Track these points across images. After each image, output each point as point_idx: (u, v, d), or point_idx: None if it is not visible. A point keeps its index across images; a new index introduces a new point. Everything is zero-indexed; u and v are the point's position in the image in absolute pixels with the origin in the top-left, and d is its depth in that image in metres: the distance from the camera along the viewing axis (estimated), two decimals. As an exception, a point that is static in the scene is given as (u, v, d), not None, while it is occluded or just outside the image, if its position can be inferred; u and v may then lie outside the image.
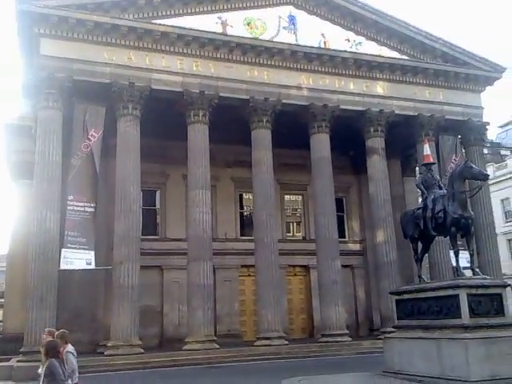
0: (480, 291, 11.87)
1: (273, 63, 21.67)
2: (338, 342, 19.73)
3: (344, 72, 22.54)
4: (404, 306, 13.50)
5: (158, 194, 25.17)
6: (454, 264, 13.30)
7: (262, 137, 21.23)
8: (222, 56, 20.98)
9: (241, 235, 25.83)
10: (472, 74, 23.83)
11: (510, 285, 15.21)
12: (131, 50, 19.78)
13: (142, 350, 17.78)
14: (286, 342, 19.48)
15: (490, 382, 10.72)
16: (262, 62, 21.51)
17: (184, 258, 20.24)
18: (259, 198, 20.89)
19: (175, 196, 24.30)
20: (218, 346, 18.60)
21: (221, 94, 20.75)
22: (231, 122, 21.92)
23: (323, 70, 22.33)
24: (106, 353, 17.52)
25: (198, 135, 20.25)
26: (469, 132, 23.94)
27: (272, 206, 20.97)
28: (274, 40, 21.64)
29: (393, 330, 14.49)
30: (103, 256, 20.47)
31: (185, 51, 20.48)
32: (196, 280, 18.93)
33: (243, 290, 25.23)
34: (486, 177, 13.18)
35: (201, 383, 13.26)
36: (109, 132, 19.81)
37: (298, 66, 22.03)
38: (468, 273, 13.17)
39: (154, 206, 25.20)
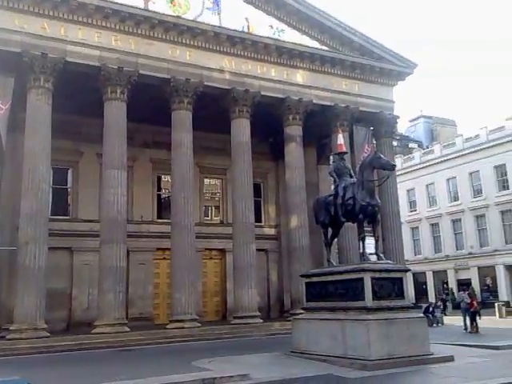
0: (383, 275, 12.64)
1: (195, 44, 21.36)
2: (249, 323, 20.13)
3: (266, 58, 22.73)
4: (313, 289, 14.06)
5: (70, 172, 24.08)
6: (361, 249, 14.02)
7: (183, 118, 20.95)
8: (143, 32, 20.36)
9: (157, 218, 25.45)
10: (386, 68, 24.94)
11: (410, 270, 16.39)
12: (45, 18, 18.64)
13: (48, 334, 17.11)
14: (199, 325, 19.58)
15: (387, 360, 11.51)
16: (184, 41, 21.14)
17: (96, 240, 19.62)
18: (178, 180, 20.66)
19: (89, 175, 23.40)
20: (128, 329, 18.32)
21: (140, 72, 20.17)
22: (151, 101, 21.42)
23: (246, 54, 22.36)
24: (8, 336, 16.68)
25: (115, 112, 19.58)
26: (380, 124, 25.11)
27: (190, 189, 20.82)
28: (198, 20, 21.32)
29: (302, 311, 15.06)
30: (8, 236, 19.33)
31: (103, 24, 19.63)
32: (108, 263, 18.44)
33: (158, 273, 24.97)
34: (393, 167, 13.95)
35: (108, 366, 12.94)
36: (18, 105, 18.63)
37: (221, 49, 21.90)
38: (373, 258, 13.90)
39: (66, 185, 24.12)
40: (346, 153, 15.66)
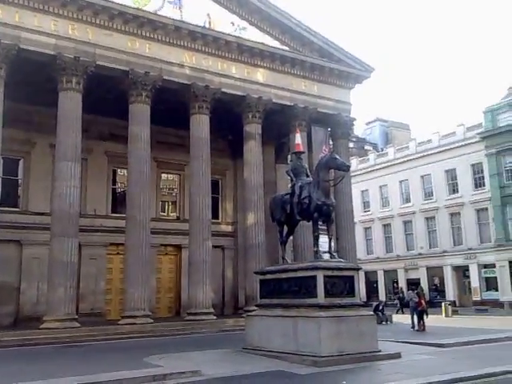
0: (335, 273, 12.92)
1: (155, 37, 21.09)
2: (203, 320, 20.10)
3: (227, 55, 22.71)
4: (267, 286, 14.21)
5: (21, 163, 23.30)
6: (315, 248, 14.26)
7: (141, 112, 20.65)
8: (102, 23, 19.92)
9: (112, 212, 24.98)
10: (345, 71, 25.40)
11: (361, 268, 16.78)
12: (-2, 3, 17.95)
13: (-8, 329, 16.51)
14: (151, 321, 19.38)
15: (337, 357, 11.79)
16: (144, 34, 20.83)
17: (47, 234, 19.06)
18: (134, 174, 20.36)
19: (41, 166, 22.71)
20: (79, 325, 17.94)
21: (98, 63, 19.74)
22: (109, 93, 21.02)
23: (207, 50, 22.27)
24: None
25: (70, 103, 19.08)
26: (338, 126, 25.57)
27: (147, 183, 20.57)
28: (159, 13, 21.04)
29: (256, 308, 15.17)
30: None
31: (60, 12, 19.09)
32: (59, 257, 17.97)
33: (111, 268, 24.52)
34: (348, 168, 14.28)
35: (53, 363, 12.60)
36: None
37: (182, 44, 21.71)
38: (327, 256, 14.15)
39: (16, 176, 23.31)
40: (303, 152, 15.90)
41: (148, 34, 20.93)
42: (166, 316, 24.52)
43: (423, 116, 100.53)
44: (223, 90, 22.51)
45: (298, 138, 15.77)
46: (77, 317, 18.42)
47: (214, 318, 20.80)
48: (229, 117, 23.63)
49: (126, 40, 20.50)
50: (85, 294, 22.71)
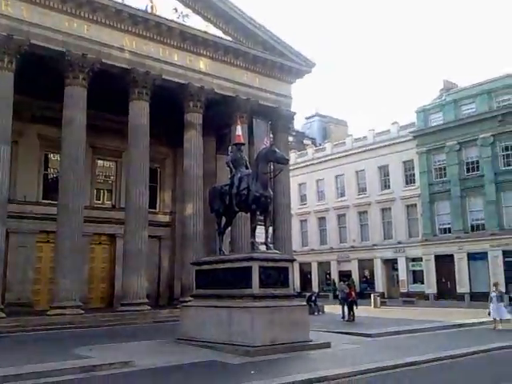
0: (270, 264, 13.13)
1: (95, 18, 20.36)
2: (136, 311, 19.79)
3: (169, 42, 22.31)
4: (203, 277, 14.23)
5: None
6: (252, 239, 14.41)
7: (77, 95, 19.91)
8: (38, 0, 18.97)
9: (43, 199, 23.99)
10: (286, 65, 25.66)
11: (296, 260, 17.14)
12: None
13: None
14: (82, 312, 18.86)
15: (270, 346, 12.02)
16: (83, 15, 20.05)
17: (-29, 219, 18.01)
18: (67, 160, 19.63)
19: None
20: (4, 315, 17.16)
21: (32, 42, 18.82)
22: (43, 73, 20.08)
23: (148, 35, 21.77)
24: None
25: (1, 83, 18.09)
26: (278, 119, 25.84)
27: (81, 170, 19.90)
28: (98, -6, 20.29)
29: (191, 299, 15.15)
30: None
31: (-10, -12, 17.99)
32: (-17, 244, 17.06)
33: (40, 257, 23.59)
34: (286, 161, 14.52)
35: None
36: None
37: (123, 27, 21.10)
38: (263, 247, 14.36)
39: None
40: (243, 144, 15.97)
41: (87, 15, 20.17)
42: (98, 307, 23.92)
43: (361, 113, 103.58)
44: (164, 76, 22.11)
45: (239, 130, 15.82)
46: (2, 307, 17.60)
47: (149, 308, 20.52)
48: (170, 105, 23.26)
49: (64, 20, 19.67)
50: (12, 284, 21.72)
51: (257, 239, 14.44)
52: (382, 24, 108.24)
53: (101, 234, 25.47)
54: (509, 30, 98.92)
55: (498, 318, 17.50)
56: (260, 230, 14.61)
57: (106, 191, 27.02)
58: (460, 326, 18.69)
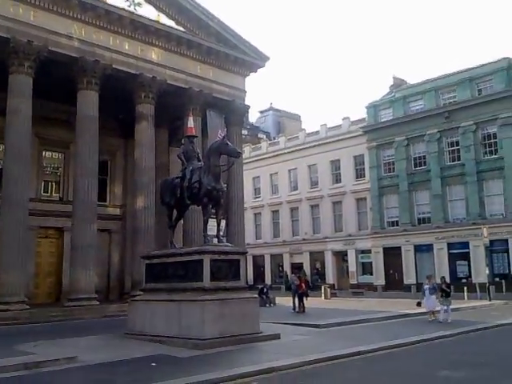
0: (222, 257, 13.14)
1: (42, 4, 19.62)
2: (84, 305, 19.34)
3: (120, 31, 21.79)
4: (153, 270, 14.07)
5: None
6: (204, 232, 14.36)
7: (22, 83, 19.17)
8: (-20, -17, 18.09)
9: (-15, 190, 22.93)
10: (240, 58, 25.59)
11: (247, 252, 17.23)
12: None
13: None
14: (28, 307, 18.25)
15: (220, 339, 12.04)
16: (29, 0, 19.25)
17: None
18: (11, 150, 18.89)
19: None
20: None
21: (-27, 27, 17.92)
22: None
23: (98, 23, 21.18)
24: None
25: None
26: (232, 112, 25.77)
27: (26, 161, 19.21)
28: (45, -22, 19.55)
29: (141, 293, 14.95)
30: None
31: None
32: None
33: (-18, 251, 22.56)
34: (238, 154, 14.50)
35: None
36: None
37: (71, 14, 20.43)
38: (216, 241, 14.33)
39: None
40: (195, 136, 15.85)
41: (33, 1, 19.42)
42: (45, 302, 23.20)
43: (315, 108, 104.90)
44: (115, 66, 21.59)
45: (191, 122, 15.67)
46: None
47: (97, 303, 20.10)
48: (121, 95, 22.74)
49: (9, 5, 18.86)
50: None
51: (209, 232, 14.42)
52: (337, 21, 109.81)
53: (48, 227, 24.65)
54: (458, 28, 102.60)
55: (430, 310, 17.83)
56: (213, 223, 14.59)
57: (53, 183, 26.17)
58: (405, 316, 19.35)
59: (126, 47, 22.06)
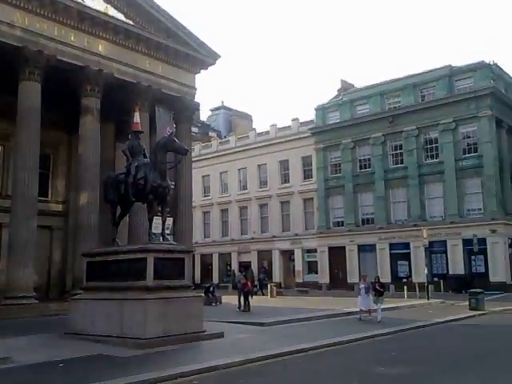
0: (166, 255, 12.99)
1: (-19, -10, 18.67)
2: (23, 304, 18.55)
3: (66, 21, 21.05)
4: (95, 269, 13.73)
5: None
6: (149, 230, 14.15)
7: (-43, 72, 18.17)
8: None
9: None
10: (191, 54, 25.31)
11: (193, 251, 17.11)
12: None
13: None
14: (-41, 306, 17.34)
15: (162, 338, 11.91)
16: (-33, -14, 18.31)
17: None
18: None
19: None
20: None
21: None
22: None
23: (43, 13, 20.35)
24: None
25: None
26: (181, 109, 25.48)
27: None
28: (-15, -38, 18.64)
29: (82, 292, 14.54)
30: None
31: None
32: None
33: None
34: (185, 151, 14.36)
35: None
36: None
37: (14, 2, 19.54)
38: (161, 239, 14.12)
39: None
40: (141, 132, 15.57)
41: (-29, -14, 18.44)
42: (-21, 301, 22.09)
43: (267, 108, 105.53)
44: (59, 57, 20.84)
45: (137, 117, 15.41)
46: None
47: (36, 302, 19.36)
48: (66, 88, 21.95)
49: None
50: None
51: (155, 230, 14.20)
52: (289, 24, 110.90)
53: (-16, 222, 23.49)
54: (405, 34, 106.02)
55: (365, 309, 18.08)
56: (158, 221, 14.37)
57: (-9, 177, 24.94)
58: (348, 314, 19.80)
59: (72, 38, 21.35)
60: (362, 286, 18.68)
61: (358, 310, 18.68)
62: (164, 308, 12.18)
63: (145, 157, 14.42)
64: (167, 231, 23.29)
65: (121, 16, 22.89)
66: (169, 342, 11.87)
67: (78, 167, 22.48)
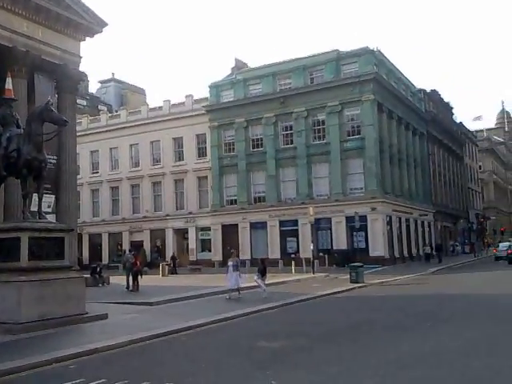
0: (43, 235, 12.12)
1: None
2: None
3: None
4: (-39, 250, 12.40)
5: None
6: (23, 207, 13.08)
7: None
8: None
9: None
10: (74, 20, 23.49)
11: (73, 230, 16.18)
12: None
13: None
14: None
15: (39, 322, 11.14)
16: None
17: None
18: None
19: None
20: None
21: None
22: None
23: None
24: None
25: None
26: (64, 78, 23.70)
27: None
28: None
29: None
30: None
31: None
32: None
33: None
34: (64, 122, 13.31)
35: None
36: None
37: None
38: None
39: None
40: (14, 100, 14.25)
41: None
42: None
43: (162, 83, 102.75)
44: None
45: (10, 83, 14.07)
46: None
47: None
48: None
49: None
50: None
51: (34, 208, 13.16)
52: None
53: None
54: (302, 16, 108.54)
55: (233, 287, 17.50)
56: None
57: None
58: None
59: None
60: (230, 263, 17.93)
61: (246, 285, 18.90)
62: (41, 290, 11.41)
63: (18, 127, 13.19)
64: (48, 209, 21.96)
65: (-6, -29, 20.60)
66: (47, 325, 11.19)
67: None
